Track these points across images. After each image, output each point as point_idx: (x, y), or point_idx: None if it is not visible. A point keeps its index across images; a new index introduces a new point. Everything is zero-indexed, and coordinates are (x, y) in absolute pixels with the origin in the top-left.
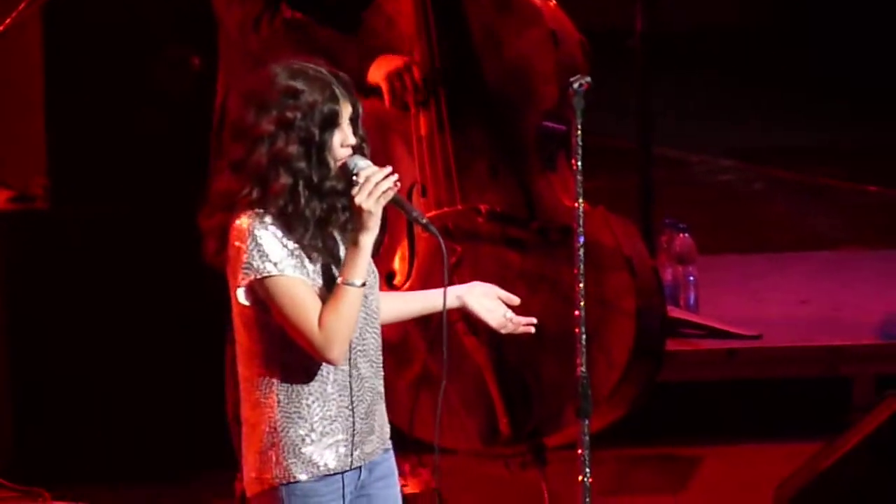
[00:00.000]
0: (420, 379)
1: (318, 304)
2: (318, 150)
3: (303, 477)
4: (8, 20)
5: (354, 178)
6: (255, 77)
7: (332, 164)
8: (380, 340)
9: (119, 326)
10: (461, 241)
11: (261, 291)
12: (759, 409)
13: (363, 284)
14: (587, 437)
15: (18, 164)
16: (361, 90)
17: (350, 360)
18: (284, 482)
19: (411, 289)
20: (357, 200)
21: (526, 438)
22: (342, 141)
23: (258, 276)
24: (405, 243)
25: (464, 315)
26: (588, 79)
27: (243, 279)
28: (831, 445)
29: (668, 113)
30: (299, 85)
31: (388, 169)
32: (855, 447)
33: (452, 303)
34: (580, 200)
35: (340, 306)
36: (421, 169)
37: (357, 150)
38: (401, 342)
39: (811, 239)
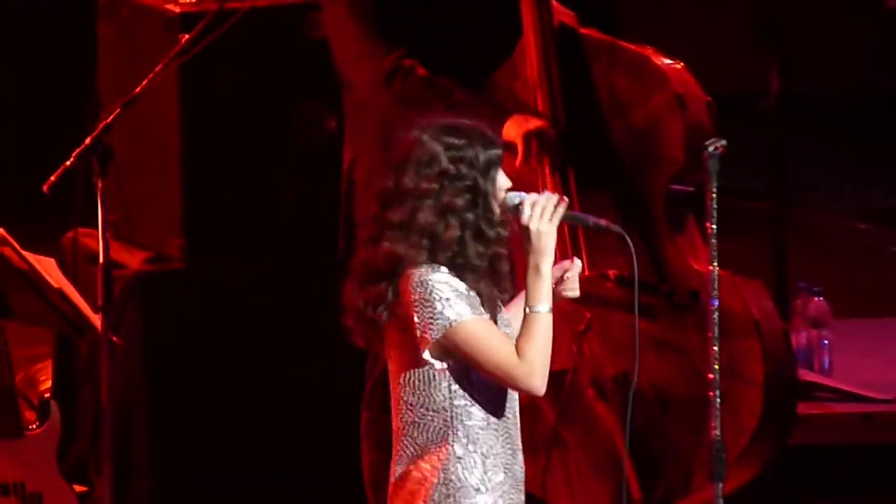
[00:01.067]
0: (552, 445)
1: (509, 339)
2: (483, 197)
3: None
4: (145, 81)
5: (518, 207)
6: (399, 144)
7: (496, 209)
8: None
9: (255, 386)
10: (590, 307)
11: (453, 339)
12: (893, 473)
13: (549, 310)
14: (721, 501)
15: (155, 225)
16: None
17: (510, 412)
18: None
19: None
20: (531, 226)
21: (657, 503)
22: (502, 185)
23: (450, 324)
24: None
25: (593, 380)
26: (723, 142)
27: (437, 331)
28: None
29: (803, 174)
30: (457, 139)
31: (550, 192)
32: None
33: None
34: (715, 264)
35: (534, 334)
36: None
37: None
38: (530, 407)
39: None
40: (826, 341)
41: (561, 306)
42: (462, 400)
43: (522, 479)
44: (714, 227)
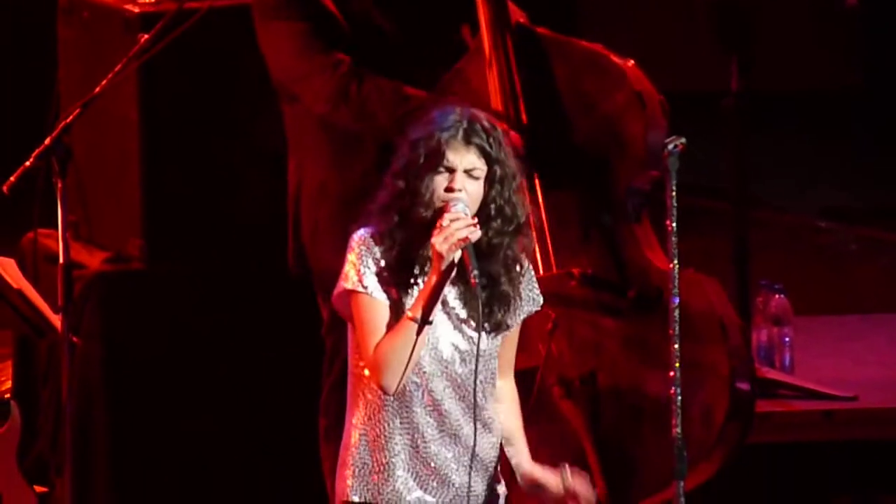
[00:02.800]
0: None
1: (380, 330)
2: (416, 175)
3: (356, 499)
4: (104, 81)
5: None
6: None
7: (426, 194)
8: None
9: (214, 386)
10: (555, 306)
11: (348, 303)
12: (854, 470)
13: (427, 323)
14: (682, 499)
15: (114, 226)
16: None
17: (431, 408)
18: (347, 501)
19: None
20: (433, 240)
21: (623, 503)
22: (447, 184)
23: (347, 288)
24: None
25: (560, 378)
26: (683, 140)
27: (336, 289)
28: None
29: (764, 173)
30: (433, 117)
31: (473, 220)
32: None
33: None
34: (675, 262)
35: (396, 335)
36: None
37: (498, 217)
38: None
39: None
40: (787, 339)
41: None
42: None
43: (444, 482)
44: (674, 224)
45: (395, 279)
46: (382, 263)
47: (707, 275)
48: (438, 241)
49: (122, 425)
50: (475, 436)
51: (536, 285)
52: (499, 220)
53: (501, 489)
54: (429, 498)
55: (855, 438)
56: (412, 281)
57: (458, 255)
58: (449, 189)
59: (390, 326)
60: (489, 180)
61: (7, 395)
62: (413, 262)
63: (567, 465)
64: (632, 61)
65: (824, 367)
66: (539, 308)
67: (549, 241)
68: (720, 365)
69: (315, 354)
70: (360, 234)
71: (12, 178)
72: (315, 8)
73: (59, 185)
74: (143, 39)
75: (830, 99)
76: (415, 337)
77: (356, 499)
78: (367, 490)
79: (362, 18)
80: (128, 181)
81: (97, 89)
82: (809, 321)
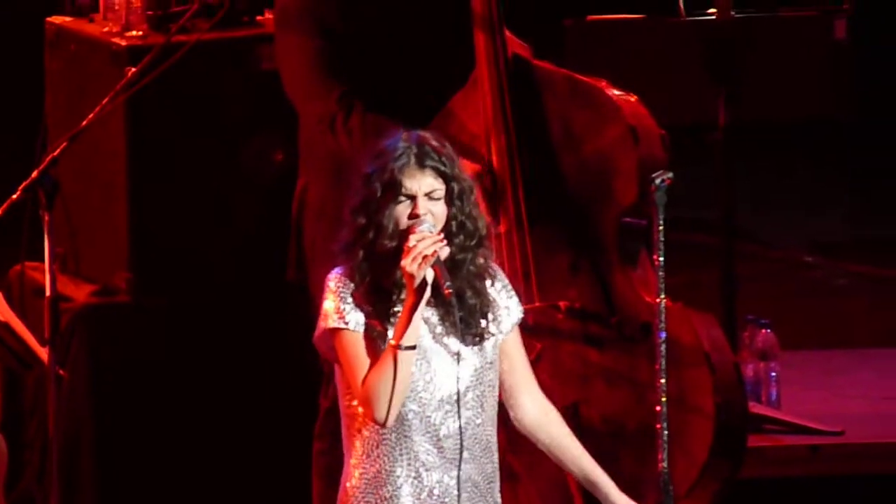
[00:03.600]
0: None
1: (364, 363)
2: (376, 208)
3: None
4: (92, 114)
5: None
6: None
7: (388, 225)
8: (483, 430)
9: (205, 419)
10: (541, 337)
11: (331, 342)
12: None
13: (411, 348)
14: None
15: (101, 258)
16: None
17: (429, 434)
18: None
19: None
20: (402, 264)
21: None
22: (409, 212)
23: (325, 327)
24: None
25: None
26: (670, 174)
27: (316, 330)
28: None
29: (751, 205)
30: (383, 148)
31: (439, 237)
32: None
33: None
34: (662, 296)
35: (381, 367)
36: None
37: (460, 233)
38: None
39: (895, 334)
40: (774, 373)
41: None
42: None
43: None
44: (661, 259)
45: (374, 311)
46: (359, 299)
47: (699, 310)
48: (407, 263)
49: (109, 458)
50: (493, 458)
51: (513, 291)
52: (461, 236)
53: None
54: None
55: (842, 473)
56: (391, 310)
57: (430, 273)
58: (413, 216)
59: (376, 359)
60: (448, 198)
61: None
62: (388, 292)
63: None
64: (634, 97)
65: (811, 402)
66: (521, 314)
67: (532, 273)
68: (705, 401)
69: (308, 387)
70: (333, 274)
71: None
72: (326, 26)
73: (46, 217)
74: (130, 73)
75: (821, 131)
76: (400, 364)
77: None
78: None
79: (368, 39)
80: (115, 214)
81: (84, 122)
82: (796, 356)
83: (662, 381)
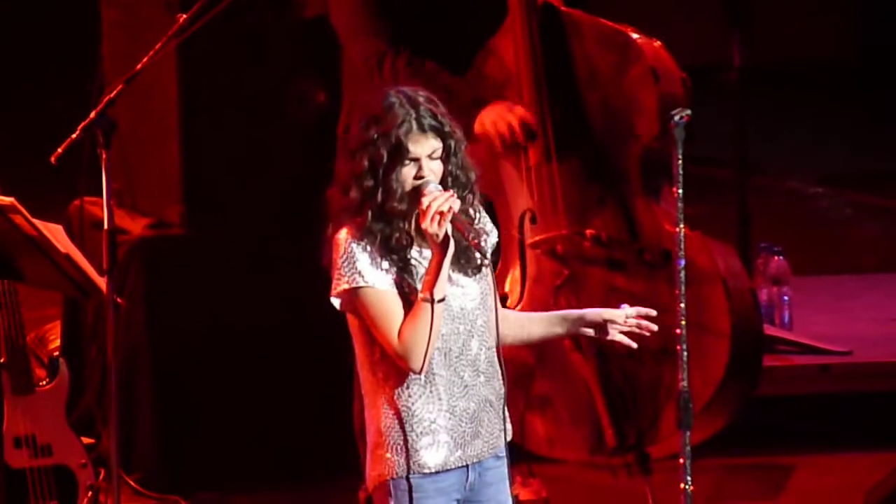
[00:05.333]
0: (531, 395)
1: (401, 315)
2: (384, 172)
3: (406, 474)
4: (146, 58)
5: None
6: (372, 95)
7: (397, 188)
8: (493, 352)
9: (254, 344)
10: (568, 263)
11: (353, 301)
12: (849, 421)
13: (441, 300)
14: (688, 448)
15: (155, 194)
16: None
17: (452, 367)
18: (391, 478)
19: (523, 311)
20: (423, 226)
21: (630, 449)
22: (415, 173)
23: (349, 287)
24: (518, 266)
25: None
26: (688, 111)
27: (335, 288)
28: None
29: (764, 139)
30: (385, 110)
31: (449, 193)
32: None
33: (561, 328)
34: (682, 226)
35: (415, 320)
36: (531, 197)
37: (454, 185)
38: (510, 359)
39: None
40: (786, 297)
41: (541, 263)
42: (383, 358)
43: (476, 434)
44: (681, 191)
45: (388, 266)
46: (372, 256)
47: (719, 241)
48: (427, 224)
49: (163, 381)
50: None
51: (487, 217)
52: (456, 186)
53: (509, 425)
54: (468, 451)
55: (850, 391)
56: (403, 262)
57: (449, 228)
58: (419, 177)
59: (396, 309)
60: (445, 154)
61: (56, 353)
62: (398, 246)
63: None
64: (658, 42)
65: (821, 324)
66: (497, 238)
67: (560, 203)
68: (722, 322)
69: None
70: (342, 236)
71: (59, 150)
72: None
73: (104, 155)
74: (181, 19)
75: (827, 70)
76: (434, 316)
77: (400, 473)
78: (412, 463)
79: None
80: (168, 152)
81: (138, 66)
82: (807, 281)
83: (682, 305)
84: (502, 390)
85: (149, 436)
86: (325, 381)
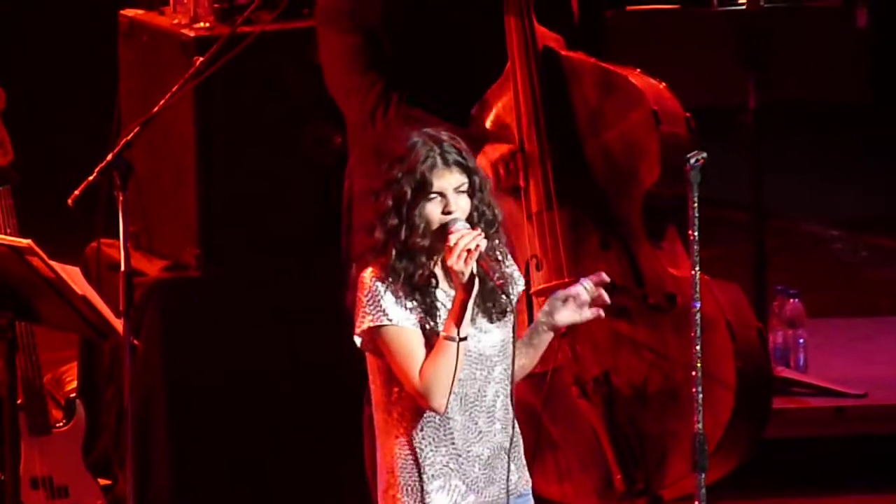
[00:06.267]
0: (539, 440)
1: (423, 354)
2: (408, 209)
3: None
4: (163, 100)
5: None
6: (396, 138)
7: (420, 224)
8: (508, 401)
9: (269, 386)
10: None
11: (375, 339)
12: (864, 463)
13: (463, 339)
14: (703, 490)
15: (172, 236)
16: None
17: (467, 412)
18: None
19: None
20: (448, 263)
21: (639, 493)
22: (442, 208)
23: (373, 325)
24: (524, 313)
25: (576, 379)
26: (704, 154)
27: (358, 326)
28: None
29: (779, 182)
30: (409, 150)
31: (477, 231)
32: None
33: (544, 328)
34: (697, 269)
35: (437, 358)
36: (533, 243)
37: (481, 222)
38: (516, 404)
39: None
40: (802, 340)
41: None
42: (400, 400)
43: (490, 480)
44: (696, 234)
45: (412, 305)
46: (397, 295)
47: (723, 280)
48: (453, 261)
49: (180, 422)
50: (512, 425)
51: (514, 262)
52: (482, 224)
53: (526, 474)
54: (480, 498)
55: (865, 433)
56: (428, 302)
57: (474, 267)
58: (446, 212)
59: (419, 348)
60: (471, 189)
61: (73, 395)
62: (423, 284)
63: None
64: (662, 83)
65: (836, 367)
66: (523, 285)
67: (562, 250)
68: (727, 366)
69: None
70: (367, 275)
71: (77, 192)
72: (365, 23)
73: (121, 197)
74: (198, 62)
75: (843, 112)
76: (455, 356)
77: None
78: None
79: (408, 34)
80: (184, 194)
81: (156, 108)
82: (823, 323)
83: (697, 347)
84: (518, 438)
85: (164, 478)
86: (339, 424)
